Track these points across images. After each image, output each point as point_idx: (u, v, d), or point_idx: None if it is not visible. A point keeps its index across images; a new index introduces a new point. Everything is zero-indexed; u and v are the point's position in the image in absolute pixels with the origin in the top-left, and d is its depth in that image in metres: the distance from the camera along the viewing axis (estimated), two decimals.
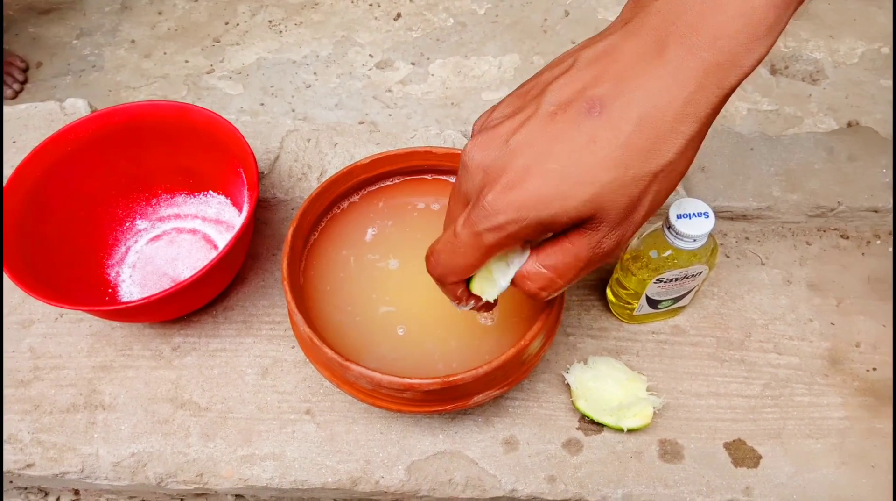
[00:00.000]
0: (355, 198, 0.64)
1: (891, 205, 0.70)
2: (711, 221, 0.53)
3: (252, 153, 0.62)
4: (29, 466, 0.60)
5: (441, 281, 0.43)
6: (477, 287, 0.44)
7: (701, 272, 0.58)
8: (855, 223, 0.72)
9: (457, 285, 0.44)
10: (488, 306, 0.47)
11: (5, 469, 0.61)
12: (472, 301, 0.46)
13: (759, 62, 0.35)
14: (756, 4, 0.33)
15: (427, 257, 0.43)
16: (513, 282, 0.43)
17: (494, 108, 0.41)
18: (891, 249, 0.71)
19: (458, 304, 0.46)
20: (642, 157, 0.35)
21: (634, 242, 0.59)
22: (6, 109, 0.80)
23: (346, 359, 0.50)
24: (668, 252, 0.56)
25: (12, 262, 0.58)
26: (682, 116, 0.35)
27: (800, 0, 0.35)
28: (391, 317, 0.59)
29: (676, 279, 0.58)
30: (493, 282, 0.43)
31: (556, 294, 0.42)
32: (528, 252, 0.42)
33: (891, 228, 0.72)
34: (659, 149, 0.35)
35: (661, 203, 0.38)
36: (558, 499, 0.58)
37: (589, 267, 0.39)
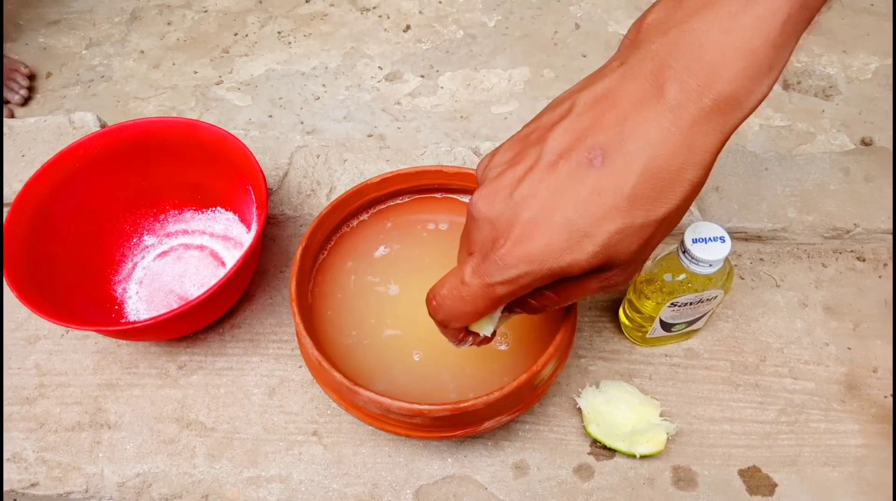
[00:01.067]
0: (365, 216, 0.64)
1: None
2: (728, 245, 0.52)
3: (261, 171, 0.61)
4: (33, 485, 0.60)
5: (444, 325, 0.43)
6: (474, 324, 0.44)
7: (716, 296, 0.57)
8: (871, 245, 0.71)
9: (455, 332, 0.44)
10: (486, 341, 0.47)
11: (9, 487, 0.60)
12: (471, 338, 0.45)
13: (761, 101, 0.34)
14: (756, 46, 0.33)
15: (429, 301, 0.42)
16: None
17: (496, 151, 0.40)
18: None
19: (458, 344, 0.46)
20: (648, 206, 0.35)
21: (649, 264, 0.58)
22: (15, 122, 0.79)
23: (355, 384, 0.49)
24: (683, 276, 0.55)
25: (18, 279, 0.57)
26: (686, 165, 0.34)
27: (800, 34, 0.34)
28: (398, 340, 0.58)
29: (691, 303, 0.57)
30: (490, 318, 0.43)
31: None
32: None
33: None
34: (665, 197, 0.35)
35: (662, 239, 0.38)
36: None
37: (593, 295, 0.41)
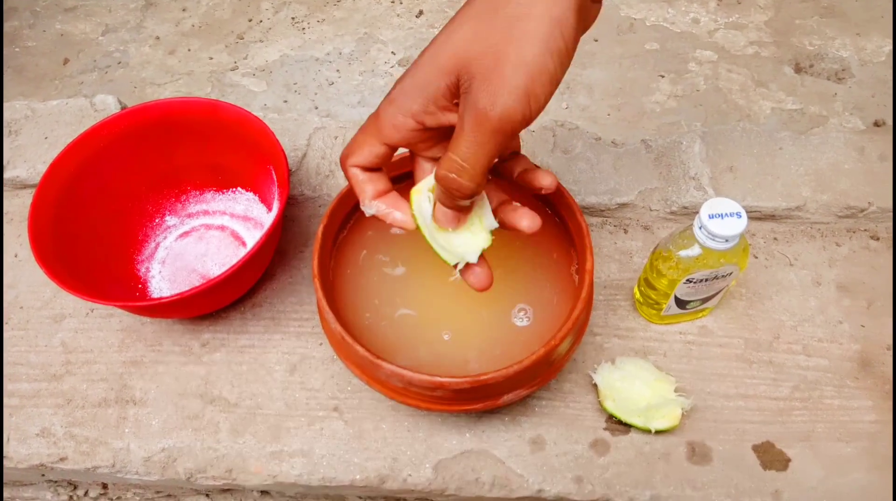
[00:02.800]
0: None
1: None
2: (744, 221, 0.53)
3: (283, 151, 0.62)
4: (62, 459, 0.61)
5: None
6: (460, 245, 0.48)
7: (731, 273, 0.58)
8: (885, 224, 0.71)
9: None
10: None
11: (38, 462, 0.61)
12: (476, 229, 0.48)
13: None
14: None
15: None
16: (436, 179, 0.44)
17: None
18: None
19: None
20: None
21: (664, 242, 0.59)
22: (38, 105, 0.81)
23: (378, 357, 0.50)
24: (699, 252, 0.56)
25: (46, 257, 0.58)
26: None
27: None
28: (414, 319, 0.59)
29: (706, 280, 0.58)
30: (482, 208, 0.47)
31: (470, 186, 0.43)
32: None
33: None
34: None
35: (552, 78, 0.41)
36: (585, 500, 0.58)
37: (491, 141, 0.41)
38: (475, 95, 0.40)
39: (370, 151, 0.46)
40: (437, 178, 0.43)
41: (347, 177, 0.48)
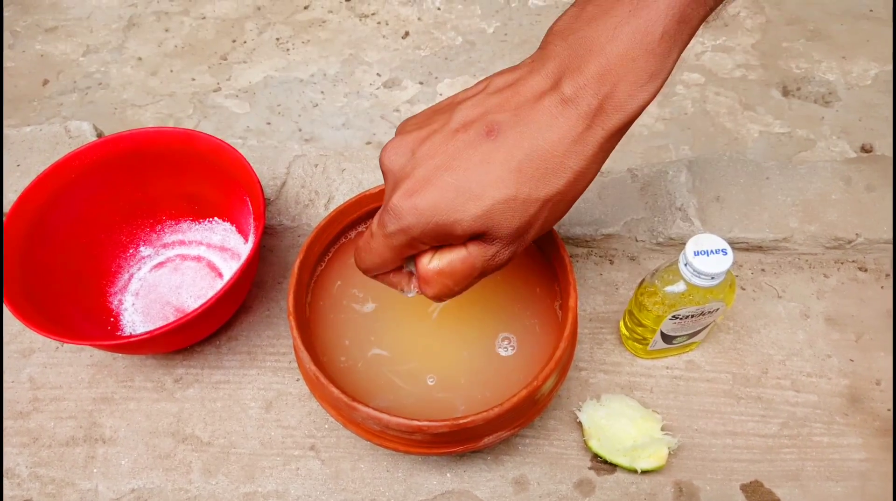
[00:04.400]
0: (363, 227, 0.63)
1: None
2: (730, 258, 0.52)
3: (259, 182, 0.61)
4: None
5: (366, 274, 0.46)
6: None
7: (718, 309, 0.57)
8: (873, 256, 0.70)
9: (384, 277, 0.47)
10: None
11: None
12: (413, 285, 0.47)
13: (643, 107, 0.38)
14: (636, 55, 0.37)
15: (355, 253, 0.46)
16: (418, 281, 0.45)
17: (416, 115, 0.44)
18: None
19: (401, 290, 0.48)
20: (532, 184, 0.39)
21: (649, 277, 0.57)
22: (11, 131, 0.79)
23: (354, 400, 0.49)
24: (684, 289, 0.55)
25: (13, 292, 0.56)
26: (570, 153, 0.38)
27: (681, 48, 0.39)
28: (385, 360, 0.57)
29: (693, 316, 0.57)
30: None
31: (449, 298, 0.45)
32: None
33: None
34: (548, 179, 0.39)
35: (552, 225, 0.42)
36: None
37: (482, 276, 0.43)
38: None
39: None
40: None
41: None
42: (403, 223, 0.40)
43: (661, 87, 0.39)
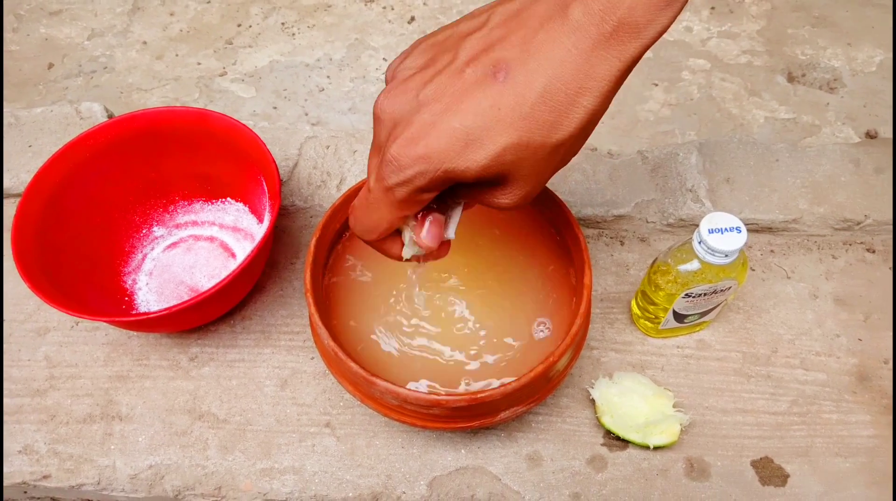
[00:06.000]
0: None
1: None
2: (744, 236, 0.52)
3: (273, 161, 0.61)
4: (45, 477, 0.60)
5: (363, 239, 0.43)
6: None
7: (730, 287, 0.57)
8: (882, 237, 0.71)
9: (381, 243, 0.44)
10: (437, 255, 0.46)
11: (20, 480, 0.60)
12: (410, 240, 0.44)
13: (660, 34, 0.35)
14: None
15: (349, 215, 0.43)
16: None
17: (408, 53, 0.41)
18: None
19: (400, 259, 0.45)
20: (545, 129, 0.36)
21: (663, 256, 0.58)
22: (21, 112, 0.79)
23: (372, 374, 0.49)
24: (698, 267, 0.55)
25: (30, 270, 0.57)
26: (583, 90, 0.35)
27: None
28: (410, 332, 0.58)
29: (705, 294, 0.57)
30: (408, 231, 0.44)
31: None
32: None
33: None
34: (561, 123, 0.36)
35: (561, 167, 0.40)
36: None
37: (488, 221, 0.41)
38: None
39: None
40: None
41: None
42: (407, 174, 0.37)
43: (682, 9, 0.35)
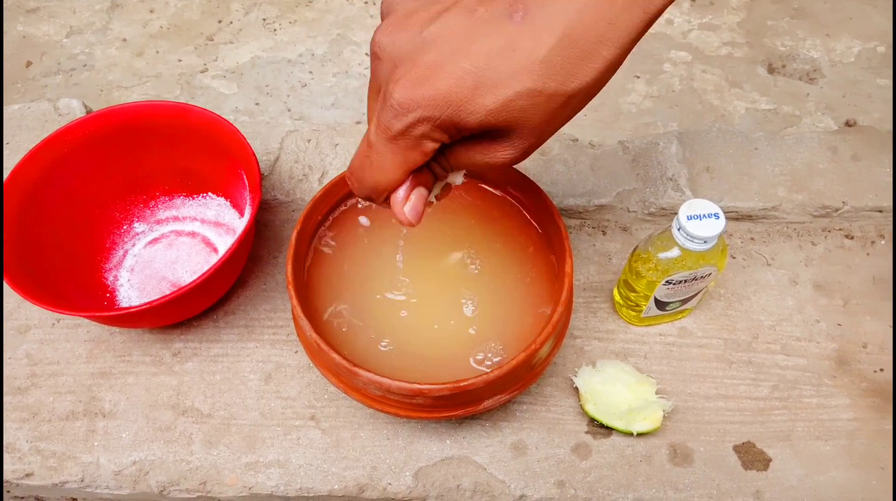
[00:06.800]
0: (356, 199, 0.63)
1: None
2: (722, 222, 0.53)
3: (254, 155, 0.61)
4: (28, 475, 0.59)
5: (370, 200, 0.40)
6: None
7: (710, 274, 0.58)
8: (859, 223, 0.72)
9: (386, 201, 0.40)
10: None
11: (4, 478, 0.59)
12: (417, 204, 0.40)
13: None
14: None
15: (348, 177, 0.40)
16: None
17: None
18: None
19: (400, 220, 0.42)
20: (561, 76, 0.33)
21: (643, 244, 0.58)
22: None
23: (355, 365, 0.49)
24: (678, 254, 0.56)
25: (9, 267, 0.56)
26: (604, 39, 0.33)
27: None
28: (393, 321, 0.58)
29: (686, 281, 0.58)
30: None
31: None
32: None
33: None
34: (578, 71, 0.34)
35: (568, 120, 0.37)
36: None
37: (495, 172, 0.38)
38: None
39: None
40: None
41: None
42: (412, 118, 0.34)
43: None
